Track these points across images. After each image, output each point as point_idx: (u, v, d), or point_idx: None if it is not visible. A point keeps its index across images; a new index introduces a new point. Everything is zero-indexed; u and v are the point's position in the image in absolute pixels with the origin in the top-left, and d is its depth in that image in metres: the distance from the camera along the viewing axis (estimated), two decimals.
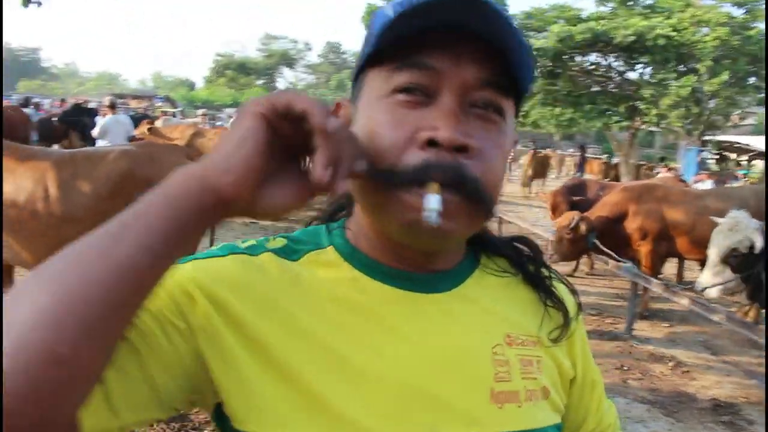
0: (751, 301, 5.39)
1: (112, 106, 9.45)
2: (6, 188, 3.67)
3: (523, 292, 0.83)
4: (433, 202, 0.62)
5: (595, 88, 18.55)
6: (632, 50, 16.41)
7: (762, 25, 15.82)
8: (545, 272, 0.85)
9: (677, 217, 6.29)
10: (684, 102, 16.20)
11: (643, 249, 6.40)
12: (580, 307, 0.86)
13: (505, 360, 0.74)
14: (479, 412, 0.70)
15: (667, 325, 6.52)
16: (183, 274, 0.69)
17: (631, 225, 6.41)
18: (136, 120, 11.55)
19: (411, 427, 0.66)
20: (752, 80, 17.76)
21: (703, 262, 5.21)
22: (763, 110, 19.23)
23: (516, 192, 18.11)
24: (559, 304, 0.82)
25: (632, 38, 15.64)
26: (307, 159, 0.61)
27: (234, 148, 0.57)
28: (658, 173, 13.32)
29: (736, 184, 12.46)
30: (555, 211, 7.97)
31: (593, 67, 18.42)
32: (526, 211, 13.67)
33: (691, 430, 4.19)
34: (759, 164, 21.10)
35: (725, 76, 15.83)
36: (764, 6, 14.60)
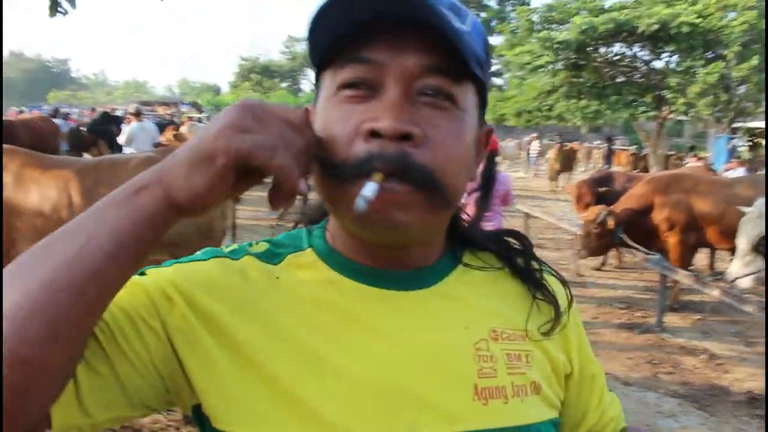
0: None
1: (137, 114, 9.59)
2: (32, 198, 3.79)
3: (511, 285, 0.82)
4: (366, 189, 0.62)
5: (621, 79, 18.22)
6: (657, 39, 16.07)
7: None
8: (535, 265, 0.83)
9: (705, 206, 6.17)
10: (712, 89, 15.82)
11: (671, 240, 6.30)
12: (571, 299, 0.84)
13: (490, 355, 0.72)
14: (462, 409, 0.68)
15: (698, 316, 6.37)
16: (163, 276, 0.70)
17: (658, 216, 6.32)
18: (162, 126, 11.73)
19: (390, 426, 0.66)
20: None
21: (734, 252, 5.09)
22: None
23: (543, 186, 17.97)
24: (550, 297, 0.81)
25: (656, 27, 15.34)
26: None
27: (200, 165, 0.59)
28: (687, 163, 13.03)
29: None
30: (579, 202, 7.89)
31: (618, 57, 18.09)
32: (552, 205, 13.53)
33: (724, 424, 4.09)
34: None
35: (755, 61, 15.38)
36: (764, 5, 14.21)
